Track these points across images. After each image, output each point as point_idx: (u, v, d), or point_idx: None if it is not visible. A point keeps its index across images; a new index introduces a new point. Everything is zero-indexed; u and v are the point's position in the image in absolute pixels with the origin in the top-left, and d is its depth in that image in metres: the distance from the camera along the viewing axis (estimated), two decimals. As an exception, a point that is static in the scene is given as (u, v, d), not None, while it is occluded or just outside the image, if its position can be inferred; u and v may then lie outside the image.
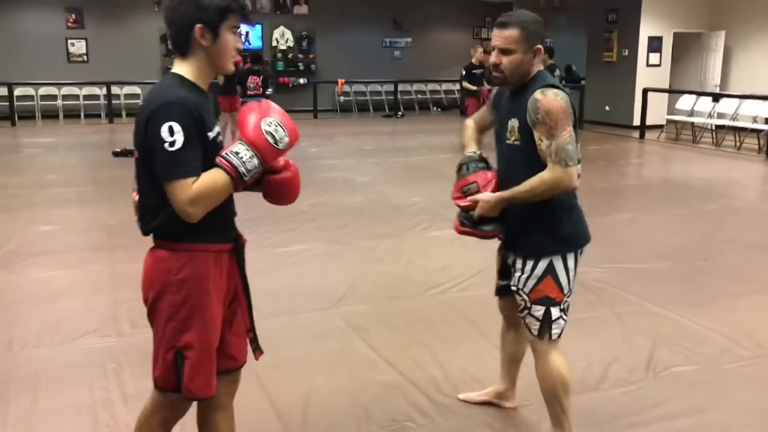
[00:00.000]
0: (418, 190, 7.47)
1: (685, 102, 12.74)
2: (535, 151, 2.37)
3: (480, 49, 11.22)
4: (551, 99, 2.32)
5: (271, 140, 1.90)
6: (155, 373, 2.03)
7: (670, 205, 7.35)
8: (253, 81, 9.37)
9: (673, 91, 13.64)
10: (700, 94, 12.70)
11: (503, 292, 2.71)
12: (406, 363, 3.41)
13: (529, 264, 2.47)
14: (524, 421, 2.88)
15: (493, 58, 2.44)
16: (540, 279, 2.46)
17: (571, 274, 2.49)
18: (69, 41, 15.42)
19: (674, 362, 3.44)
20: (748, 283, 4.68)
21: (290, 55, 17.30)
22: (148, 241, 2.04)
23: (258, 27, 16.83)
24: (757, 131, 11.36)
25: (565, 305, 2.51)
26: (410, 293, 4.43)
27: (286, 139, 1.94)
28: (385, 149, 11.12)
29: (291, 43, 17.35)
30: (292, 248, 5.35)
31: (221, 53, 1.95)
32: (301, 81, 17.23)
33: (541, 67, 2.48)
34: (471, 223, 2.50)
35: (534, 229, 2.47)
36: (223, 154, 1.88)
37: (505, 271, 2.66)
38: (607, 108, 14.43)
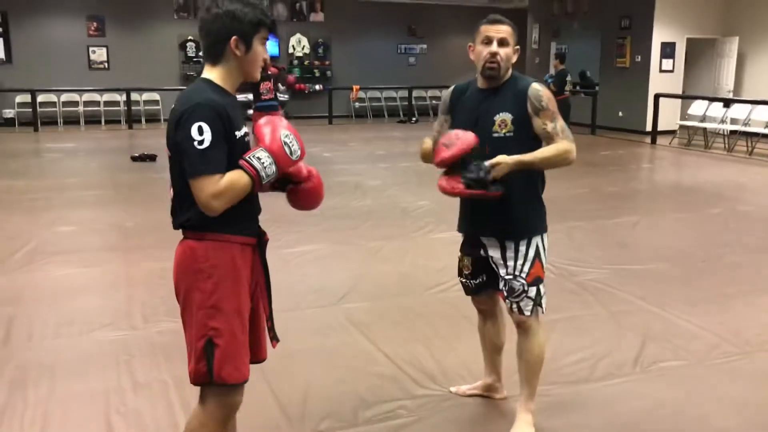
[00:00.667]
0: (426, 194, 7.62)
1: (697, 108, 12.79)
2: (526, 140, 2.61)
3: None
4: (546, 90, 2.65)
5: (287, 151, 2.07)
6: (191, 366, 2.10)
7: (675, 209, 7.44)
8: (265, 86, 9.58)
9: (685, 97, 13.68)
10: (711, 99, 12.74)
11: (479, 289, 2.89)
12: (404, 357, 3.56)
13: (523, 247, 2.67)
14: (512, 411, 3.01)
15: (493, 47, 2.60)
16: (533, 261, 2.69)
17: (546, 251, 2.77)
18: (90, 49, 15.80)
19: (662, 358, 3.56)
20: (742, 284, 4.79)
21: (306, 62, 17.57)
22: (164, 242, 2.20)
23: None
24: (769, 136, 11.39)
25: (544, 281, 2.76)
26: (412, 292, 4.59)
27: (299, 152, 2.12)
28: (397, 154, 11.29)
29: (307, 50, 17.62)
30: (300, 249, 5.53)
31: (252, 63, 2.12)
32: (317, 87, 17.48)
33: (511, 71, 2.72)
34: (480, 185, 2.51)
35: (527, 213, 2.70)
36: (247, 157, 2.03)
37: (479, 269, 2.82)
38: (620, 113, 14.50)
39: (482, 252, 2.77)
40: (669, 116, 13.23)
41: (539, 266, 2.71)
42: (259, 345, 2.28)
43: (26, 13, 15.06)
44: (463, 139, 2.54)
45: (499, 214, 2.66)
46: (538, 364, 2.80)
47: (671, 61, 13.98)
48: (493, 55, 2.59)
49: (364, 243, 5.78)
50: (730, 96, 13.36)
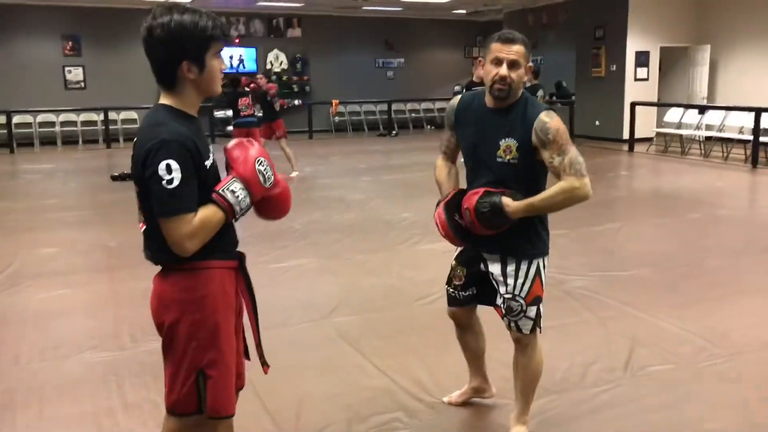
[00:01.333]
0: (409, 206, 7.65)
1: (673, 115, 12.98)
2: (531, 169, 2.56)
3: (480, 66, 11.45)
4: (557, 120, 2.51)
5: (261, 179, 2.00)
6: (172, 398, 2.02)
7: (656, 215, 7.54)
8: (243, 103, 9.57)
9: (661, 105, 13.89)
10: (687, 106, 12.95)
11: (467, 301, 2.85)
12: (395, 368, 3.56)
13: (523, 267, 2.63)
14: (505, 419, 3.02)
15: (503, 70, 2.48)
16: (533, 281, 2.65)
17: (546, 270, 2.73)
18: (66, 68, 15.69)
19: (652, 362, 3.60)
20: (725, 287, 4.86)
21: (285, 78, 17.58)
22: (148, 261, 2.08)
23: (252, 50, 17.11)
24: (744, 142, 11.58)
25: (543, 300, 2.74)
26: (400, 304, 4.60)
27: (272, 179, 2.06)
28: (379, 167, 11.32)
29: (285, 66, 17.65)
30: (286, 264, 5.51)
31: (209, 81, 1.98)
32: (296, 102, 17.47)
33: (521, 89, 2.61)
34: (500, 224, 2.55)
35: (530, 235, 2.64)
36: (220, 191, 1.94)
37: (471, 281, 2.80)
38: (597, 122, 14.67)
39: (482, 266, 2.74)
40: (645, 124, 13.41)
41: (539, 285, 2.67)
42: (238, 372, 2.19)
43: (0, 33, 14.92)
44: (437, 223, 2.69)
45: (506, 233, 2.60)
46: (535, 380, 2.79)
47: (646, 69, 14.20)
48: (503, 78, 2.49)
49: (351, 256, 5.78)
50: (705, 103, 13.59)
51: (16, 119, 14.60)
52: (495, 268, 2.68)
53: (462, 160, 2.81)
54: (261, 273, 5.21)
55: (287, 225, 6.83)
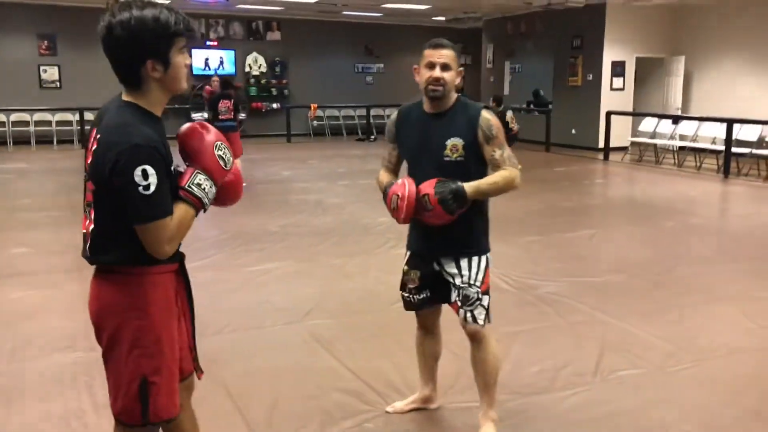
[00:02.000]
0: (386, 211, 7.64)
1: (647, 124, 13.17)
2: (474, 165, 2.73)
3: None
4: (495, 117, 2.77)
5: (222, 164, 1.98)
6: (118, 405, 1.97)
7: (630, 223, 7.64)
8: (224, 105, 9.53)
9: (636, 114, 14.08)
10: (661, 116, 13.14)
11: (422, 304, 2.96)
12: (370, 372, 3.58)
13: (475, 260, 2.79)
14: (473, 418, 3.05)
15: (436, 73, 2.69)
16: (484, 272, 2.81)
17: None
18: (41, 68, 15.52)
19: (621, 366, 3.65)
20: (695, 294, 4.94)
21: (263, 81, 17.56)
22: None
23: (231, 53, 17.06)
24: (716, 152, 11.78)
25: None
26: (376, 308, 4.61)
27: (231, 160, 2.03)
28: (357, 172, 11.34)
29: (264, 69, 17.61)
30: (263, 267, 5.50)
31: (175, 78, 1.93)
32: (275, 106, 17.47)
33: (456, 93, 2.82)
34: (460, 205, 2.65)
35: (478, 233, 2.84)
36: (186, 187, 1.92)
37: (424, 284, 2.90)
38: (573, 131, 14.83)
39: (435, 266, 2.85)
40: (620, 133, 13.59)
41: (488, 277, 2.84)
42: (186, 360, 2.15)
43: (-25, 31, 14.74)
44: (404, 195, 2.68)
45: (459, 233, 2.76)
46: (495, 373, 2.88)
47: (621, 79, 14.39)
48: (437, 79, 2.69)
49: (327, 260, 5.79)
50: (679, 113, 13.80)
51: (-10, 118, 14.42)
52: (449, 265, 2.81)
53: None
54: (237, 276, 5.22)
55: (264, 228, 6.82)
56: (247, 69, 17.42)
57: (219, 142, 2.00)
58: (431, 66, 2.71)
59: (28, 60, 15.34)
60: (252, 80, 17.46)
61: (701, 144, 12.17)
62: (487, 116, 2.71)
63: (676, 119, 12.86)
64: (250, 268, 5.48)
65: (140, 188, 1.79)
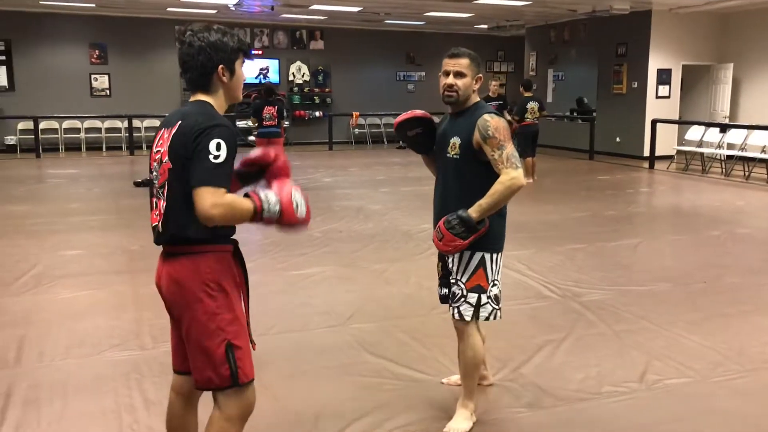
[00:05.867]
0: (427, 218, 7.62)
1: (694, 133, 12.93)
2: (466, 164, 2.90)
3: (496, 83, 11.53)
4: (497, 120, 2.89)
5: (294, 208, 2.21)
6: (206, 374, 2.17)
7: (674, 232, 7.53)
8: (268, 111, 9.68)
9: (682, 122, 13.85)
10: (708, 124, 12.89)
11: (445, 300, 3.14)
12: (412, 376, 3.61)
13: (466, 256, 2.93)
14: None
15: (449, 80, 2.93)
16: (474, 270, 2.93)
17: (496, 268, 2.98)
18: (92, 76, 15.97)
19: (667, 375, 3.61)
20: (742, 304, 4.85)
21: (306, 89, 17.75)
22: None
23: (275, 62, 17.31)
24: (766, 161, 11.51)
25: (491, 294, 2.96)
26: (418, 312, 4.63)
27: (304, 215, 2.25)
28: (398, 179, 11.39)
29: (307, 77, 17.81)
30: (305, 271, 5.58)
31: (237, 87, 2.30)
32: (317, 114, 17.65)
33: (478, 98, 3.01)
34: (470, 232, 2.84)
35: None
36: (257, 190, 2.19)
37: (445, 280, 3.08)
38: (617, 139, 14.65)
39: (447, 258, 3.03)
40: (666, 141, 13.38)
41: (482, 276, 2.93)
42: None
43: (30, 40, 15.24)
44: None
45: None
46: (472, 367, 3.02)
47: (667, 87, 14.17)
48: (450, 86, 2.93)
49: (369, 265, 5.83)
50: (726, 121, 13.53)
51: (43, 125, 14.88)
52: (449, 259, 3.02)
53: None
54: (280, 279, 5.30)
55: (307, 233, 6.90)
56: (290, 77, 17.65)
57: (300, 193, 2.25)
58: (446, 74, 2.95)
59: (80, 69, 15.80)
60: (295, 89, 17.68)
61: (750, 153, 11.91)
62: (486, 118, 2.86)
63: (723, 127, 12.61)
64: (292, 272, 5.56)
65: (211, 156, 2.06)
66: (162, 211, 2.19)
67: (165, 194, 2.18)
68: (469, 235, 2.83)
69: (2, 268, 5.58)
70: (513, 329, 4.25)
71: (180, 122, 2.16)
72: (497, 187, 2.81)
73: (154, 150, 2.24)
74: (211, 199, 2.04)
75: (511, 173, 2.80)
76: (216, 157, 2.07)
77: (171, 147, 2.15)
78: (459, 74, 2.92)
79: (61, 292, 5.05)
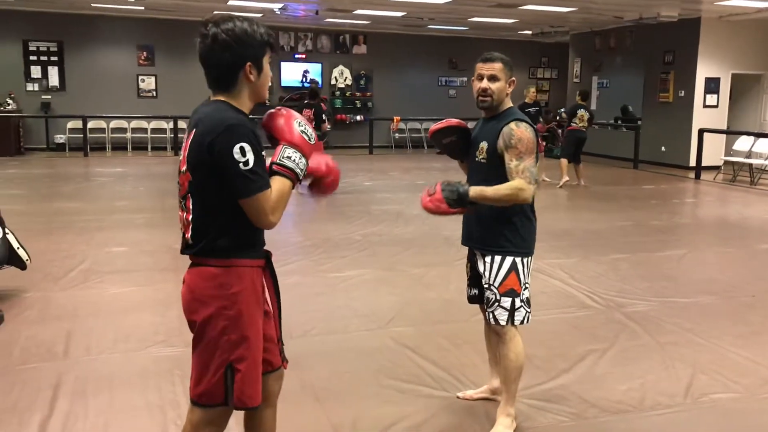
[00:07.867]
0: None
1: (742, 143, 12.64)
2: (492, 168, 2.89)
3: (533, 89, 11.45)
4: (523, 130, 2.86)
5: (306, 138, 2.12)
6: (199, 388, 2.10)
7: (721, 244, 7.36)
8: (305, 114, 9.77)
9: (730, 132, 13.55)
10: (757, 135, 12.59)
11: (473, 300, 3.17)
12: (451, 381, 3.59)
13: (497, 260, 2.92)
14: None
15: (483, 84, 2.92)
16: (506, 274, 2.92)
17: (527, 271, 2.97)
18: (140, 77, 16.30)
19: (713, 389, 3.53)
20: (794, 319, 4.72)
21: (348, 93, 17.85)
22: None
23: (318, 65, 17.44)
24: (817, 173, 11.20)
25: (524, 297, 2.95)
26: (457, 317, 4.61)
27: (313, 135, 2.18)
28: (438, 184, 11.34)
29: (349, 81, 17.91)
30: (346, 273, 5.60)
31: (264, 85, 2.14)
32: (358, 118, 17.73)
33: (511, 104, 3.00)
34: (459, 204, 2.83)
35: (505, 232, 2.93)
36: (278, 161, 2.07)
37: (474, 282, 3.12)
38: (663, 148, 14.40)
39: (478, 263, 3.03)
40: (713, 151, 13.09)
41: (515, 280, 2.92)
42: (273, 353, 2.29)
43: (81, 42, 15.63)
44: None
45: (480, 228, 2.97)
46: (515, 371, 2.97)
47: (715, 96, 13.88)
48: (484, 90, 2.92)
49: (408, 269, 5.84)
50: (776, 132, 13.20)
51: (91, 124, 15.25)
52: (480, 263, 3.01)
53: None
54: (321, 281, 5.33)
55: (346, 236, 6.94)
56: (333, 81, 17.77)
57: (299, 120, 2.15)
58: (480, 78, 2.94)
59: (127, 70, 16.14)
60: (337, 92, 17.79)
61: (801, 165, 11.60)
62: (512, 126, 2.85)
63: (773, 138, 12.30)
64: (333, 274, 5.59)
65: (240, 165, 1.96)
66: (188, 223, 2.11)
67: (188, 206, 2.10)
68: (456, 207, 2.82)
69: (51, 264, 5.73)
70: (555, 338, 4.21)
71: (195, 129, 2.05)
72: (504, 188, 2.80)
73: (184, 150, 2.13)
74: (265, 208, 2.00)
75: (523, 184, 2.79)
76: (245, 163, 1.95)
77: (189, 156, 2.06)
78: (493, 78, 2.92)
79: (108, 287, 5.16)
